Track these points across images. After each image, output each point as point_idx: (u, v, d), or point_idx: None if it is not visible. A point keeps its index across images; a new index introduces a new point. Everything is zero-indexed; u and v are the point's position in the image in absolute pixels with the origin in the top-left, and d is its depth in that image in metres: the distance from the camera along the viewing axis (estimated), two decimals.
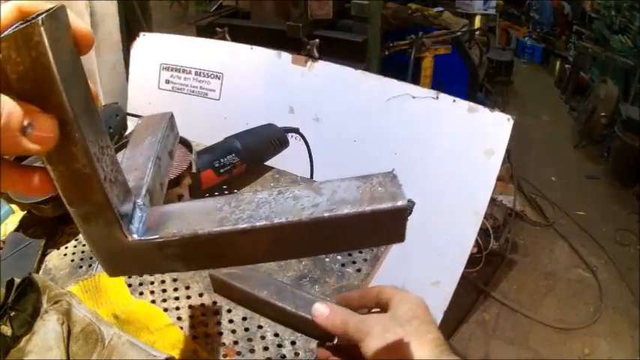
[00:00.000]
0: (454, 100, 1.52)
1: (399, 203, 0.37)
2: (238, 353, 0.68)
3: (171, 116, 0.53)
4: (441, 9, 3.54)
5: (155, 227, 0.36)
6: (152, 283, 0.79)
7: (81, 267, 0.83)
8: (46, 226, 0.88)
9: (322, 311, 0.57)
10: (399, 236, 0.39)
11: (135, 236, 0.35)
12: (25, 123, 0.28)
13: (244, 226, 0.35)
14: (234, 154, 0.97)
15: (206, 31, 2.32)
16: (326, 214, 0.35)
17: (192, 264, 0.39)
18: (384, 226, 0.37)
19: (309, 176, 1.16)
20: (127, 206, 0.36)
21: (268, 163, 1.06)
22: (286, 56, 1.68)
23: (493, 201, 2.55)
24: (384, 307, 0.57)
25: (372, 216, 0.36)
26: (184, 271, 0.39)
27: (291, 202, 0.36)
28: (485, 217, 1.75)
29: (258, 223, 0.35)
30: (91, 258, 0.84)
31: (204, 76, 1.76)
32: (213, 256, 0.38)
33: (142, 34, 1.80)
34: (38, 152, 0.29)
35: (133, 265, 0.38)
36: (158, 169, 0.46)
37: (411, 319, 0.52)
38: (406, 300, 0.55)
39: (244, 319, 0.73)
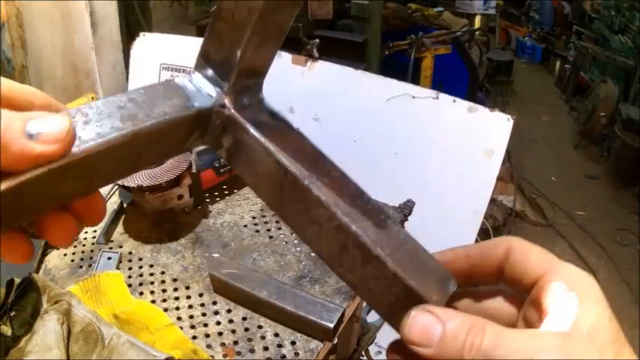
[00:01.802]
0: (454, 100, 1.52)
1: (434, 303, 0.31)
2: (238, 353, 0.68)
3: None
4: (441, 9, 3.54)
5: None
6: (152, 283, 0.79)
7: (81, 267, 0.83)
8: None
9: (424, 325, 0.29)
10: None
11: None
12: (29, 126, 0.24)
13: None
14: None
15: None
16: None
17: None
18: (406, 308, 0.32)
19: None
20: None
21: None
22: (286, 56, 1.68)
23: (493, 201, 2.55)
24: (517, 285, 0.32)
25: None
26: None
27: None
28: (485, 217, 1.75)
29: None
30: (91, 258, 0.84)
31: None
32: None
33: (142, 34, 1.80)
34: (52, 155, 0.25)
35: None
36: None
37: (596, 332, 0.27)
38: (585, 293, 0.28)
39: (244, 319, 0.73)
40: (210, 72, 0.33)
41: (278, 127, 0.35)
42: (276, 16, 0.31)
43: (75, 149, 0.25)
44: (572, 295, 0.28)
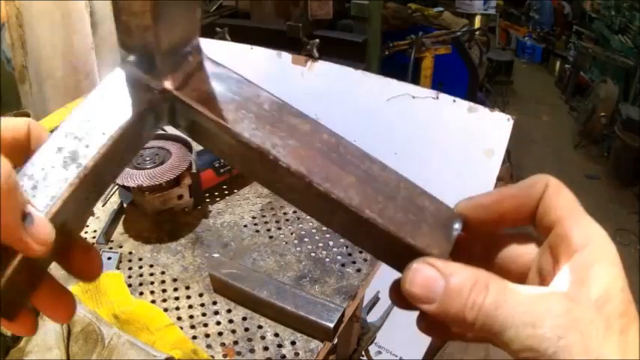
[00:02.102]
0: (454, 100, 1.52)
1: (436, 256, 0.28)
2: (238, 353, 0.68)
3: None
4: (441, 9, 3.54)
5: None
6: (152, 283, 0.79)
7: None
8: None
9: (426, 280, 0.27)
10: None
11: None
12: (27, 210, 0.24)
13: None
14: None
15: (206, 31, 2.32)
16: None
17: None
18: (407, 260, 0.29)
19: None
20: None
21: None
22: (286, 56, 1.68)
23: None
24: (541, 229, 0.29)
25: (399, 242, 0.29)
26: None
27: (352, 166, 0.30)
28: None
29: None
30: None
31: None
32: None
33: None
34: (35, 253, 0.24)
35: None
36: None
37: (606, 302, 0.25)
38: (601, 253, 0.27)
39: (244, 319, 0.73)
40: (137, 60, 0.30)
41: (227, 93, 0.31)
42: None
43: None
44: (588, 252, 0.26)
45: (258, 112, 0.30)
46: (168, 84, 0.29)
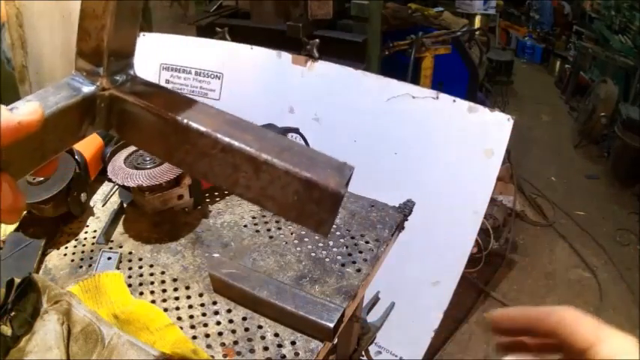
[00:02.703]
0: (454, 100, 1.52)
1: (334, 187, 0.33)
2: (238, 353, 0.68)
3: None
4: (441, 9, 3.53)
5: None
6: (152, 283, 0.79)
7: (81, 267, 0.83)
8: (46, 226, 0.88)
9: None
10: (323, 225, 0.35)
11: None
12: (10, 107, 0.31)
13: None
14: None
15: (206, 31, 2.32)
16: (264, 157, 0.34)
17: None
18: (311, 202, 0.34)
19: None
20: None
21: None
22: (286, 56, 1.68)
23: (493, 201, 2.55)
24: (570, 355, 0.34)
25: (302, 183, 0.33)
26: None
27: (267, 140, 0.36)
28: (485, 217, 1.75)
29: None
30: (91, 258, 0.84)
31: (204, 76, 1.76)
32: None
33: (142, 34, 1.80)
34: (30, 125, 0.32)
35: None
36: None
37: None
38: None
39: (244, 319, 0.73)
40: (87, 66, 0.38)
41: (154, 91, 0.40)
42: (128, 2, 0.37)
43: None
44: None
45: (174, 101, 0.38)
46: (108, 84, 0.38)
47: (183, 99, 0.38)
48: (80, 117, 0.37)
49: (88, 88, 0.37)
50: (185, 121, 0.36)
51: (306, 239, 0.87)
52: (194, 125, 0.35)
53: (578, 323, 0.34)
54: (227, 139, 0.34)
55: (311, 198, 0.33)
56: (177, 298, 0.76)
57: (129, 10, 0.38)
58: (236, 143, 0.34)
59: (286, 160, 0.33)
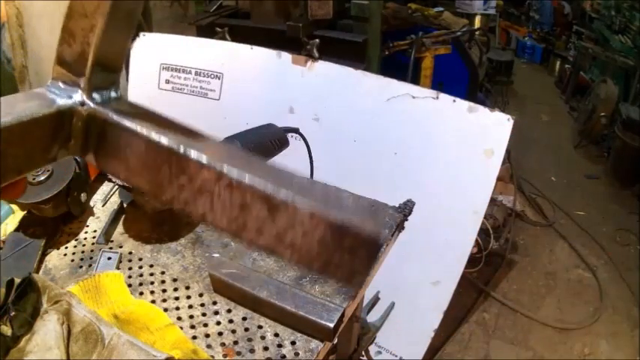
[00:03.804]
0: (454, 100, 1.52)
1: (371, 232, 0.26)
2: (238, 353, 0.68)
3: None
4: (441, 9, 3.53)
5: None
6: (152, 283, 0.79)
7: (81, 267, 0.83)
8: (46, 226, 0.88)
9: None
10: (355, 278, 0.28)
11: None
12: None
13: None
14: None
15: (206, 31, 2.32)
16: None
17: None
18: (341, 251, 0.27)
19: (309, 176, 1.16)
20: None
21: (268, 163, 1.06)
22: (286, 56, 1.68)
23: (493, 201, 2.55)
24: None
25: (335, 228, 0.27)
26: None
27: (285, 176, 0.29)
28: (485, 217, 1.75)
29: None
30: (91, 258, 0.84)
31: (204, 76, 1.76)
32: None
33: (142, 34, 1.80)
34: None
35: None
36: None
37: None
38: None
39: (244, 319, 0.73)
40: (66, 75, 0.32)
41: (142, 112, 0.33)
42: (126, 2, 0.31)
43: None
44: None
45: (168, 125, 0.31)
46: (88, 98, 0.32)
47: (180, 124, 0.32)
48: (52, 133, 0.31)
49: (63, 101, 0.32)
50: (182, 148, 0.29)
51: None
52: (194, 154, 0.29)
53: None
54: (235, 173, 0.28)
55: (341, 245, 0.27)
56: (177, 298, 0.76)
57: (124, 14, 0.32)
58: (247, 178, 0.27)
59: (310, 200, 0.27)
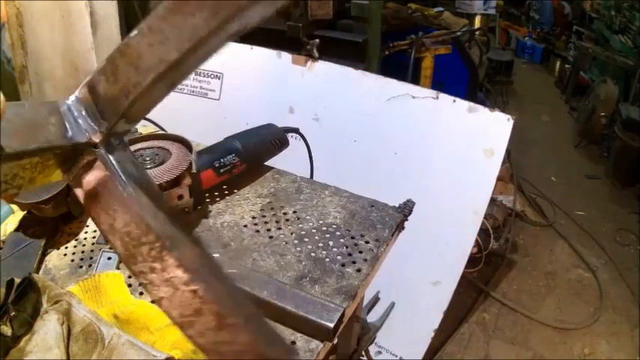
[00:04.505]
0: (454, 100, 1.52)
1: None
2: None
3: None
4: (441, 9, 3.54)
5: None
6: None
7: (81, 267, 0.83)
8: (46, 226, 0.88)
9: None
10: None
11: None
12: None
13: None
14: (234, 154, 0.97)
15: None
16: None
17: None
18: None
19: (309, 176, 1.16)
20: None
21: (268, 163, 1.06)
22: (286, 56, 1.68)
23: (493, 201, 2.55)
24: None
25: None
26: None
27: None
28: (485, 217, 1.75)
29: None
30: (91, 258, 0.84)
31: (204, 76, 1.76)
32: None
33: None
34: None
35: None
36: None
37: None
38: None
39: None
40: (91, 105, 0.32)
41: (141, 179, 0.34)
42: (182, 69, 0.31)
43: None
44: None
45: (162, 207, 0.32)
46: (102, 143, 0.32)
47: (171, 210, 0.33)
48: (59, 162, 0.32)
49: (80, 136, 0.32)
50: (168, 243, 0.31)
51: (306, 239, 0.87)
52: (176, 254, 0.31)
53: None
54: (203, 286, 0.30)
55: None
56: None
57: (175, 80, 0.31)
58: (210, 295, 0.30)
59: (253, 331, 0.31)
